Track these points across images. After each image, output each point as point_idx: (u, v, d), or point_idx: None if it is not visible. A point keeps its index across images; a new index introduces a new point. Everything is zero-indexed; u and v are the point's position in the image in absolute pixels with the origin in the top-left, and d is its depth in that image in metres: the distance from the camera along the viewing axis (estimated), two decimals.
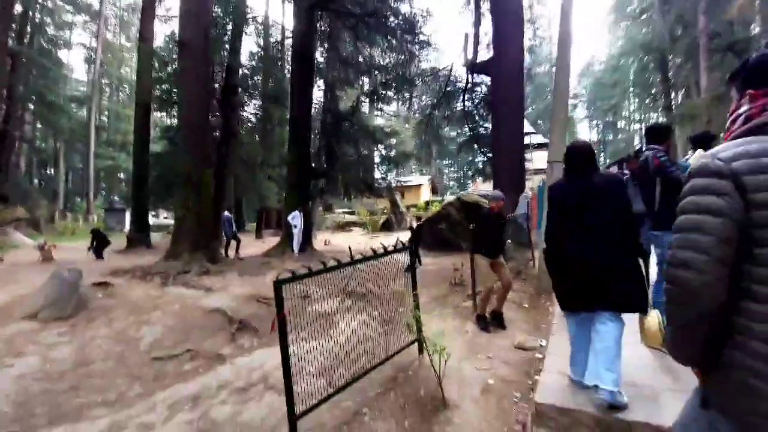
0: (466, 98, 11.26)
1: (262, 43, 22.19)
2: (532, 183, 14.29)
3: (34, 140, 36.17)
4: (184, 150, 9.28)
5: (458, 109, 12.32)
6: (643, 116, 45.50)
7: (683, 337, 0.94)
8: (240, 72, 18.14)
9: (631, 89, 42.10)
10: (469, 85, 11.60)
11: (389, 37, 13.28)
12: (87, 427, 3.09)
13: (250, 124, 19.15)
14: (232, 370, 3.97)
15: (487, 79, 10.40)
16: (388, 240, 17.29)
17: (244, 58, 20.09)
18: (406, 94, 14.01)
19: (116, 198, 35.39)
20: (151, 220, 20.70)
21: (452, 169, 49.08)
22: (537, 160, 19.38)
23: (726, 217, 0.84)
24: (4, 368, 4.08)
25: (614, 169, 8.08)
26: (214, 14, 17.12)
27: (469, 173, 20.41)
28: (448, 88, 11.50)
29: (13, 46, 25.47)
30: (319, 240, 18.63)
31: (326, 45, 15.55)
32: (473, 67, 10.27)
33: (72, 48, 38.76)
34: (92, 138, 34.80)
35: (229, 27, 17.76)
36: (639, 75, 36.74)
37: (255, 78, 19.77)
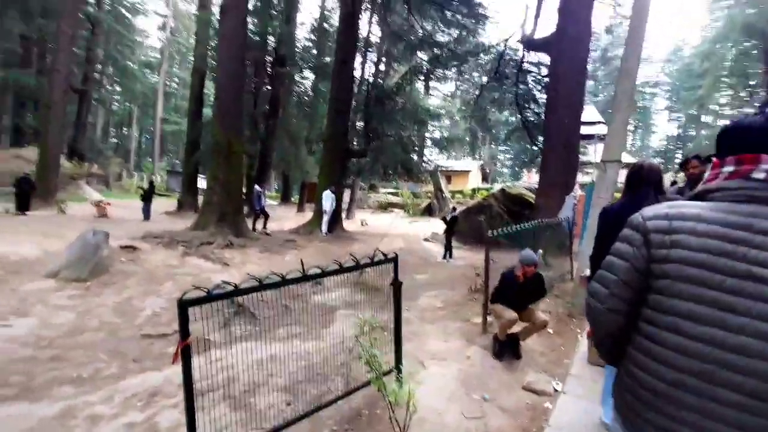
0: (519, 79, 10.05)
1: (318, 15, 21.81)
2: (588, 178, 12.81)
3: (111, 102, 39.24)
4: (218, 119, 9.20)
5: (510, 91, 11.11)
6: (735, 111, 39.69)
7: (600, 347, 1.17)
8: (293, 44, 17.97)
9: (725, 79, 36.63)
10: (525, 65, 10.32)
11: (444, 10, 12.23)
12: (42, 408, 2.97)
13: (296, 98, 18.99)
14: (204, 364, 3.70)
15: (546, 59, 9.12)
16: (425, 226, 16.63)
17: (301, 32, 19.93)
18: (456, 73, 12.93)
19: (177, 161, 37.63)
20: (202, 184, 21.74)
21: (507, 155, 46.51)
22: (599, 154, 17.45)
23: (629, 263, 1.00)
24: (3, 328, 4.16)
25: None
26: None
27: (525, 161, 18.99)
28: (500, 68, 10.33)
29: (94, 11, 27.31)
30: (356, 220, 18.43)
31: (376, 17, 14.77)
32: (530, 43, 9.04)
33: (147, 15, 41.00)
34: (160, 103, 37.03)
35: None
36: (736, 63, 31.78)
37: (308, 51, 19.54)
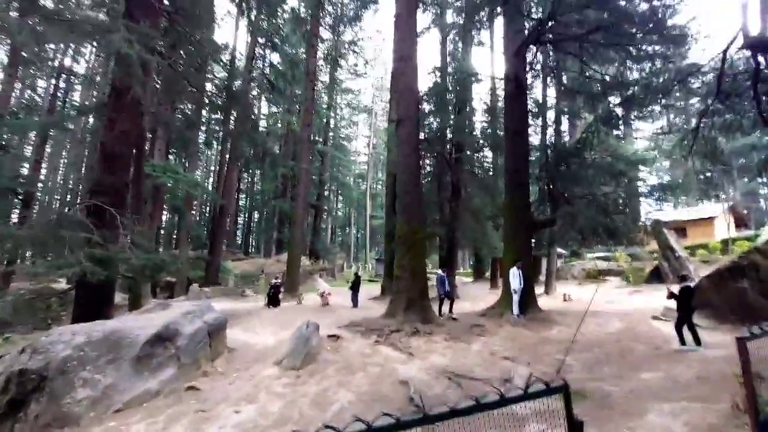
0: (759, 90, 7.21)
1: (489, 99, 22.83)
2: None
3: (336, 210, 49.84)
4: (400, 211, 10.10)
5: (741, 110, 8.06)
6: None
7: None
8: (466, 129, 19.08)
9: None
10: (765, 72, 7.41)
11: (628, 47, 10.68)
12: None
13: (476, 176, 19.40)
14: None
15: None
16: (652, 298, 13.01)
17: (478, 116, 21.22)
18: (657, 108, 10.59)
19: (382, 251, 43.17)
20: None
21: None
22: None
23: None
24: (233, 414, 5.10)
25: None
26: (440, 79, 19.11)
27: None
28: (721, 87, 7.75)
29: (321, 147, 36.70)
30: (558, 294, 16.05)
31: (547, 79, 14.18)
32: (759, 45, 6.52)
33: (357, 139, 52.22)
34: (368, 204, 44.56)
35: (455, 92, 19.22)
36: None
37: (484, 131, 20.31)
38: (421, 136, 19.09)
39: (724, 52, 7.20)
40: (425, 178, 20.18)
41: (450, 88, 19.12)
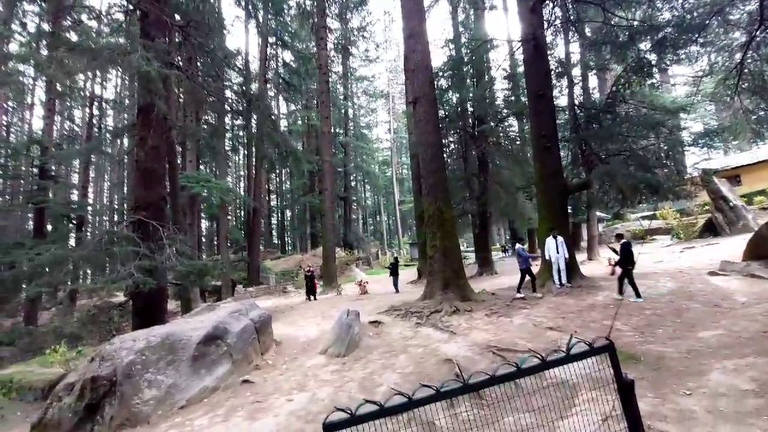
0: None
1: (509, 65, 21.89)
2: None
3: (365, 199, 50.09)
4: (425, 192, 9.98)
5: None
6: None
7: None
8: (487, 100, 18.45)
9: None
10: None
11: None
12: None
13: (504, 148, 18.78)
14: None
15: None
16: (708, 252, 12.34)
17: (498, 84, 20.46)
18: (695, 48, 9.70)
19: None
20: None
21: None
22: None
23: None
24: (287, 402, 5.31)
25: None
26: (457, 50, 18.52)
27: None
28: (765, 11, 6.91)
29: (343, 139, 36.81)
30: (601, 259, 15.41)
31: (568, 34, 13.39)
32: None
33: (378, 126, 51.91)
34: (396, 189, 44.41)
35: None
36: None
37: (507, 99, 19.56)
38: (441, 113, 18.69)
39: None
40: (450, 156, 19.79)
41: (466, 60, 18.49)
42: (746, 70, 8.22)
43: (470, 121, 18.47)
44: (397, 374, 5.84)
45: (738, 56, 8.59)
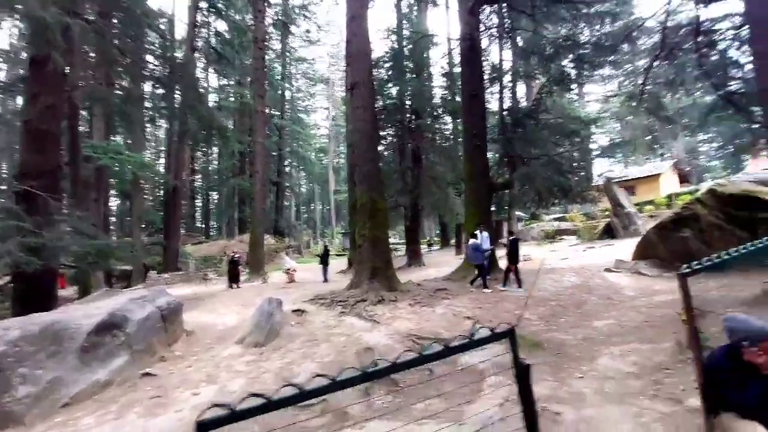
0: (700, 44, 7.45)
1: (447, 62, 22.49)
2: None
3: (299, 186, 48.64)
4: (359, 181, 9.88)
5: (688, 65, 8.35)
6: None
7: None
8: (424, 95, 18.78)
9: None
10: (705, 25, 7.62)
11: (575, 5, 10.67)
12: None
13: (437, 143, 19.33)
14: None
15: (736, 7, 6.49)
16: (606, 251, 13.67)
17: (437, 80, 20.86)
18: (614, 68, 10.79)
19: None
20: None
21: (714, 144, 35.92)
22: None
23: None
24: (192, 396, 4.90)
25: None
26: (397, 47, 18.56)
27: (740, 146, 13.99)
28: (665, 40, 7.94)
29: (279, 121, 35.18)
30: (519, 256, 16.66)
31: (502, 41, 14.05)
32: None
33: (317, 111, 50.51)
34: (332, 178, 43.73)
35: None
36: None
37: (444, 97, 20.10)
38: (380, 104, 18.66)
39: (665, 7, 7.32)
40: (388, 149, 19.89)
41: (407, 53, 18.63)
42: (646, 92, 9.35)
43: (408, 114, 18.70)
44: (316, 363, 5.70)
45: (641, 80, 9.73)
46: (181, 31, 26.76)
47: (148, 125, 33.70)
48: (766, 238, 3.02)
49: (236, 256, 15.35)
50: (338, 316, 8.00)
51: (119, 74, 20.96)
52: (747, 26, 6.02)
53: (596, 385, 3.70)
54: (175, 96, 19.43)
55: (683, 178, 28.56)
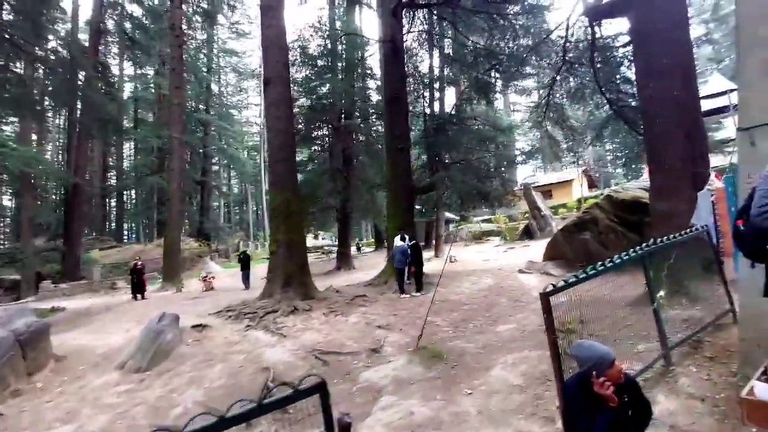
0: (596, 60, 8.04)
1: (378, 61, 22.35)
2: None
3: (229, 186, 45.84)
4: (272, 182, 9.26)
5: (585, 78, 9.05)
6: None
7: None
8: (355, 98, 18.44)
9: None
10: (599, 41, 8.26)
11: (493, 16, 11.03)
12: None
13: (366, 145, 19.13)
14: None
15: (624, 26, 7.10)
16: (522, 252, 14.09)
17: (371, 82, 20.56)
18: (535, 79, 11.32)
19: None
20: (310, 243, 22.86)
21: (619, 153, 40.12)
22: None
23: None
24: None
25: None
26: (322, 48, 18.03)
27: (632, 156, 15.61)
28: (566, 53, 8.49)
29: (203, 116, 32.77)
30: (441, 259, 16.97)
31: (425, 46, 14.20)
32: (597, 13, 7.16)
33: (248, 108, 47.98)
34: (264, 178, 41.79)
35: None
36: None
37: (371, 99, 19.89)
38: (308, 102, 18.03)
39: (567, 21, 7.78)
40: (325, 150, 19.19)
41: (338, 51, 18.20)
42: (551, 103, 9.93)
43: (337, 114, 18.25)
44: (202, 390, 5.07)
45: (547, 91, 10.32)
46: (87, 11, 23.74)
47: (49, 115, 29.58)
48: (616, 256, 3.13)
49: (139, 264, 13.79)
50: (244, 330, 7.35)
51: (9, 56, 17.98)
52: (633, 43, 6.50)
53: (482, 402, 3.59)
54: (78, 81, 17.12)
55: (592, 184, 31.43)
